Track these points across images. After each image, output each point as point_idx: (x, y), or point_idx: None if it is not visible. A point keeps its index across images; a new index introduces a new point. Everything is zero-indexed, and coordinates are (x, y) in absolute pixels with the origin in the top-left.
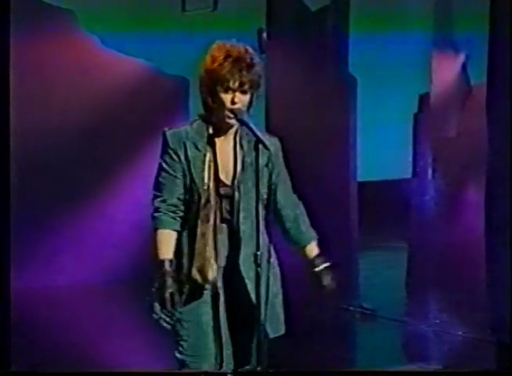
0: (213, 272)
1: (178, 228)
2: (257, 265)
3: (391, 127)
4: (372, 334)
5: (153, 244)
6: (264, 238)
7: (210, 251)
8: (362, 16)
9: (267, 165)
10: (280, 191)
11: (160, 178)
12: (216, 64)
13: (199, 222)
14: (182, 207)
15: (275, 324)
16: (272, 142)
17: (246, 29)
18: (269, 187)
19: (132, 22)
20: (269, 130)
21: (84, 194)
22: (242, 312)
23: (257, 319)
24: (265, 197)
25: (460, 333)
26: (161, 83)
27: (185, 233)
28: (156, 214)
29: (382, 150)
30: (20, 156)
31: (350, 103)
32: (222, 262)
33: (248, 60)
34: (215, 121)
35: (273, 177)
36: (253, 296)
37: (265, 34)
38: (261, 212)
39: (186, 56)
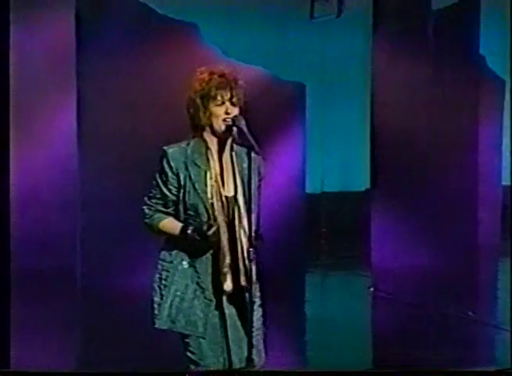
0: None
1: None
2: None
3: None
4: (467, 337)
5: (163, 234)
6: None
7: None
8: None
9: (259, 171)
10: None
11: (154, 191)
12: (204, 83)
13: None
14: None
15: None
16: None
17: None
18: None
19: (253, 30)
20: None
21: None
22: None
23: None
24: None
25: None
26: (279, 89)
27: None
28: (147, 216)
29: None
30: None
31: (494, 102)
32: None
33: (232, 76)
34: (213, 135)
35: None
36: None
37: None
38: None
39: (304, 61)
